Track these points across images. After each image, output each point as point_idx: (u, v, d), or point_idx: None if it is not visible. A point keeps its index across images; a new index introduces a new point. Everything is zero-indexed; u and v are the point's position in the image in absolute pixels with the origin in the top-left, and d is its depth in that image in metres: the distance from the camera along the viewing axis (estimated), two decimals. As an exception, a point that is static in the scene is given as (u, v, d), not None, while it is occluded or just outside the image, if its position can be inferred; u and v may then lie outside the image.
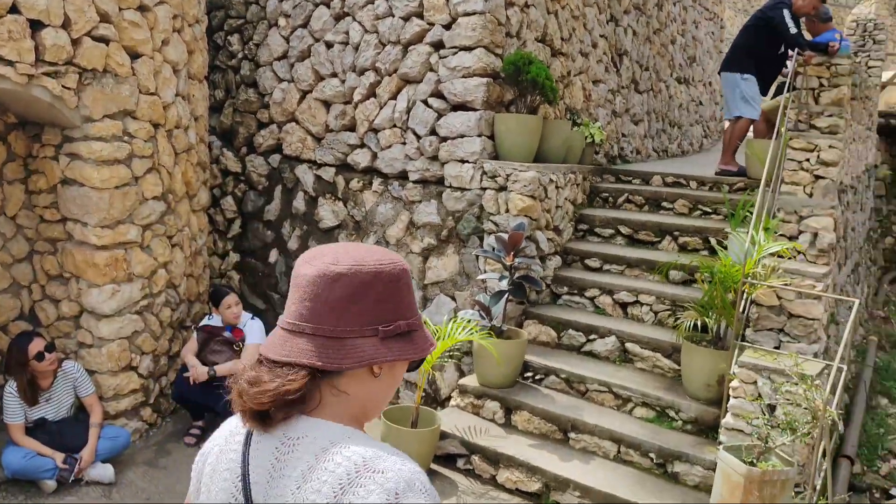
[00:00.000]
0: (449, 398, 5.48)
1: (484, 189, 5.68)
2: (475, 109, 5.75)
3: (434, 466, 4.74)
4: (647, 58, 9.45)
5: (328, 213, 6.57)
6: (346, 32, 6.50)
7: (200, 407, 5.48)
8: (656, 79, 9.80)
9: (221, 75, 7.45)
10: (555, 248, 6.01)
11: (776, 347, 4.66)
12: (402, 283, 1.22)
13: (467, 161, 5.76)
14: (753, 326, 4.72)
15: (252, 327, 5.57)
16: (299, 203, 6.83)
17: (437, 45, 5.94)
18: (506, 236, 4.97)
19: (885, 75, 14.02)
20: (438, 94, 5.94)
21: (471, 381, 5.21)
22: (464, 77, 5.77)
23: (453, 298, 5.78)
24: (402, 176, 6.21)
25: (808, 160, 6.03)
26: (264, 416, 1.15)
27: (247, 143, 7.31)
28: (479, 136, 5.73)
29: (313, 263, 1.19)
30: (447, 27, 5.85)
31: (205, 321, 5.64)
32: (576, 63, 7.33)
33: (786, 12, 6.61)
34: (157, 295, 5.51)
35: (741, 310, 4.71)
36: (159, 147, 5.36)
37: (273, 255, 7.00)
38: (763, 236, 4.76)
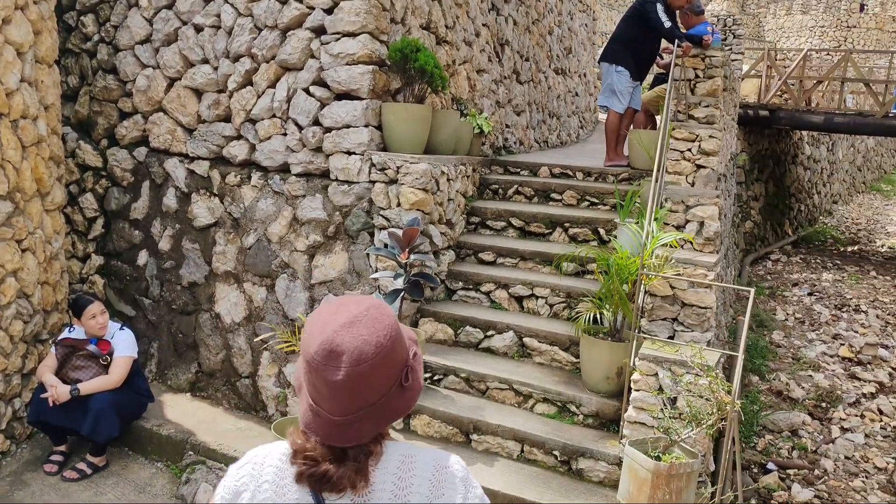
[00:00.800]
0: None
1: (373, 182, 5.41)
2: (361, 98, 5.46)
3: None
4: (528, 48, 9.45)
5: (203, 210, 6.09)
6: (218, 15, 6.01)
7: (62, 430, 4.91)
8: (536, 69, 9.83)
9: (75, 60, 6.74)
10: (448, 243, 5.83)
11: (671, 337, 4.69)
12: (399, 340, 1.38)
13: (354, 153, 5.47)
14: (648, 317, 4.73)
15: (120, 338, 5.05)
16: (170, 200, 6.28)
17: (319, 31, 5.59)
18: (400, 232, 4.73)
19: (744, 68, 14.84)
20: (321, 83, 5.60)
21: (366, 385, 4.94)
22: (348, 64, 5.46)
23: (343, 298, 5.48)
24: (284, 169, 5.83)
25: (689, 150, 6.15)
26: (330, 485, 1.32)
27: (107, 135, 6.65)
28: (367, 126, 5.45)
29: (339, 367, 1.29)
30: (329, 11, 5.52)
31: (65, 334, 5.06)
32: (460, 52, 7.17)
33: (659, 6, 6.75)
34: (6, 307, 4.88)
35: (638, 301, 4.72)
36: (3, 140, 4.73)
37: (142, 257, 6.41)
38: (655, 227, 4.77)
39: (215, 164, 6.11)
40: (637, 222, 5.24)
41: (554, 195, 6.46)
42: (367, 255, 5.38)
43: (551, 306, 5.44)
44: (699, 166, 6.14)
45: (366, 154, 5.42)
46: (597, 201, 6.36)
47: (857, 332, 10.38)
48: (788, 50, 21.42)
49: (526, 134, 9.37)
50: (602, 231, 5.91)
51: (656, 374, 4.16)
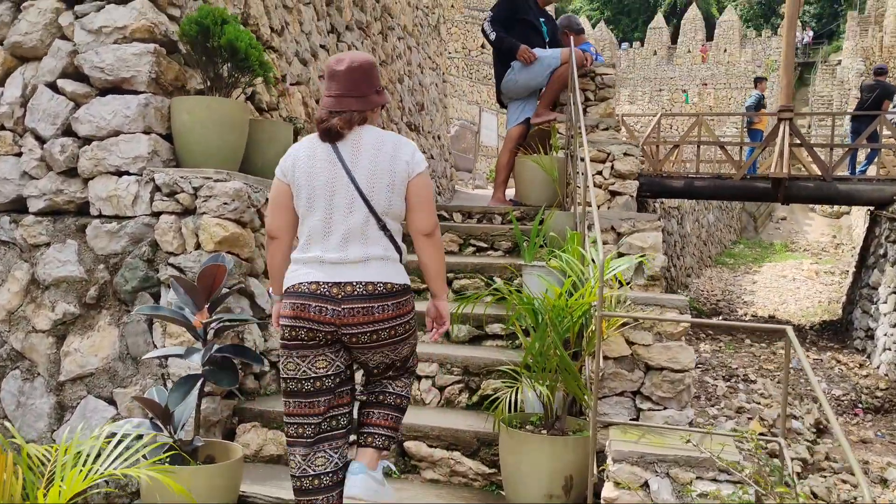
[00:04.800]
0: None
1: (157, 214, 3.48)
2: (137, 92, 3.59)
3: None
4: (386, 81, 7.95)
5: None
6: (-84, -14, 3.99)
7: None
8: (387, 118, 8.33)
9: None
10: (281, 307, 3.95)
11: (634, 419, 3.04)
12: (374, 71, 2.44)
13: (127, 172, 3.54)
14: (597, 392, 3.05)
15: None
16: None
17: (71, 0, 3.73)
18: (193, 276, 2.83)
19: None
20: (75, 73, 3.68)
21: (143, 548, 2.85)
22: (117, 43, 3.61)
23: (112, 401, 3.41)
24: (19, 207, 3.77)
25: (600, 173, 4.71)
26: (340, 135, 2.35)
27: None
28: (147, 133, 3.56)
29: (341, 64, 2.39)
30: (86, -32, 3.68)
31: None
32: (292, 68, 5.49)
33: (486, 23, 5.60)
34: None
35: (583, 366, 3.04)
36: None
37: None
38: (593, 252, 3.18)
39: None
40: (546, 264, 3.66)
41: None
42: (148, 324, 3.39)
43: (441, 389, 3.64)
44: (614, 193, 4.72)
45: (146, 173, 3.51)
46: (485, 246, 4.74)
47: (759, 402, 9.31)
48: (641, 115, 21.66)
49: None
50: (498, 279, 4.25)
51: (645, 485, 2.44)
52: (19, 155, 3.75)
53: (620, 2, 51.04)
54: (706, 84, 37.45)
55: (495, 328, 3.95)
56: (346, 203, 2.31)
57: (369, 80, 2.39)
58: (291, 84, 5.48)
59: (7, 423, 3.47)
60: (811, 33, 41.56)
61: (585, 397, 2.98)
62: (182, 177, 3.43)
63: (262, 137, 4.11)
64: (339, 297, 2.28)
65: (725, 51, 38.85)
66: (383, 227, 2.35)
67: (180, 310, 2.81)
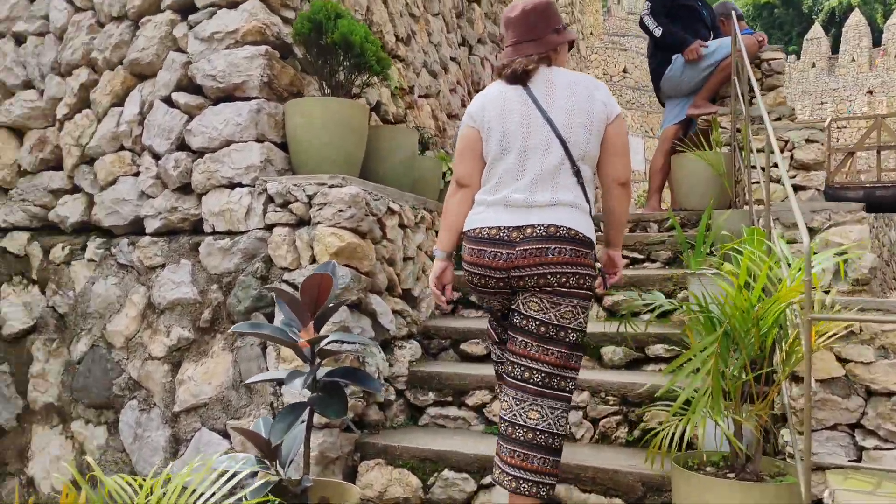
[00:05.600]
0: None
1: (270, 227, 3.17)
2: (249, 98, 3.33)
3: None
4: (512, 106, 7.54)
5: (16, 309, 3.78)
6: (46, 17, 4.00)
7: None
8: (525, 135, 7.88)
9: None
10: (409, 328, 3.51)
11: (854, 460, 2.31)
12: (554, 4, 2.30)
13: (240, 184, 3.27)
14: (799, 424, 2.36)
15: None
16: (-26, 300, 3.98)
17: (185, 9, 3.56)
18: (294, 289, 2.44)
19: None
20: (189, 85, 3.49)
21: None
22: (228, 49, 3.38)
23: (226, 434, 3.09)
24: (136, 229, 3.60)
25: (776, 165, 3.97)
26: (526, 75, 2.24)
27: None
28: (259, 141, 3.29)
29: (514, 11, 2.30)
30: (198, -24, 3.51)
31: None
32: (420, 79, 5.16)
33: (647, 17, 4.94)
34: None
35: (806, 380, 2.37)
36: None
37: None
38: (784, 247, 2.51)
39: (38, 234, 3.88)
40: (718, 271, 3.00)
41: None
42: (262, 348, 3.05)
43: (594, 422, 3.05)
44: (795, 188, 3.96)
45: (258, 184, 3.21)
46: (640, 257, 4.11)
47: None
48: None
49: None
50: (657, 293, 3.61)
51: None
52: (136, 175, 3.60)
53: (771, 15, 48.29)
54: (871, 92, 34.27)
55: (657, 350, 3.31)
56: (542, 144, 2.17)
57: (546, 21, 2.28)
58: (420, 96, 5.15)
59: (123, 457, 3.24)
60: None
61: (785, 431, 2.30)
62: (295, 184, 3.11)
63: (385, 145, 3.75)
64: (517, 240, 2.16)
65: (896, 56, 35.43)
66: (577, 174, 2.19)
67: (286, 327, 2.43)
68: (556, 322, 2.16)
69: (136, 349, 3.40)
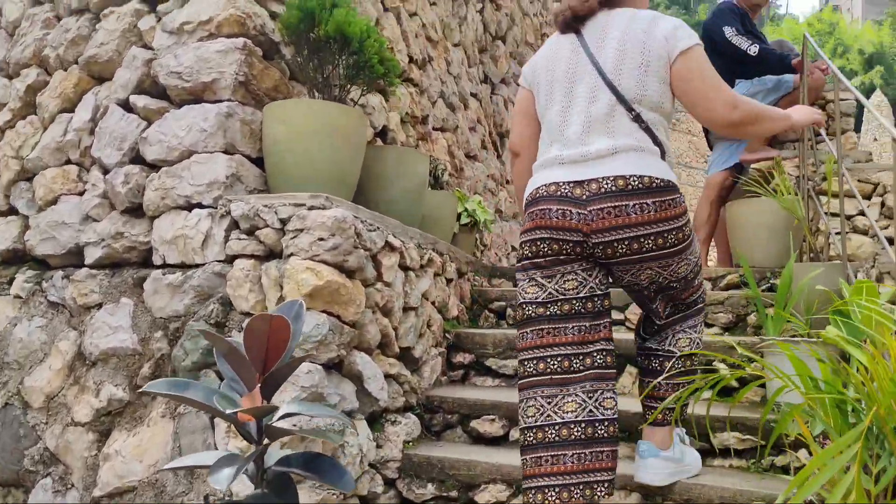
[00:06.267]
0: None
1: (232, 259, 2.47)
2: (220, 101, 2.68)
3: None
4: (536, 155, 6.91)
5: (-73, 353, 3.07)
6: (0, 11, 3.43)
7: None
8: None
9: None
10: (406, 398, 2.75)
11: None
12: None
13: (199, 204, 2.58)
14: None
15: None
16: None
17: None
18: (238, 337, 1.74)
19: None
20: (152, 87, 2.85)
21: None
22: (200, 41, 2.75)
23: (155, 532, 2.32)
24: (76, 260, 2.91)
25: (862, 213, 3.26)
26: (580, 18, 1.97)
27: None
28: (228, 152, 2.62)
29: None
30: (172, -41, 2.92)
31: None
32: (437, 110, 4.53)
33: (727, 28, 4.28)
34: None
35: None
36: None
37: None
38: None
39: (-37, 264, 3.20)
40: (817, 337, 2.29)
41: (617, 315, 3.48)
42: (211, 417, 2.31)
43: (650, 538, 2.25)
44: (892, 241, 3.22)
45: (221, 204, 2.53)
46: (695, 320, 3.36)
47: None
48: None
49: (542, 268, 6.54)
50: (720, 365, 2.85)
51: None
52: (80, 194, 2.94)
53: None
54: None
55: (728, 440, 2.53)
56: (588, 91, 1.91)
57: None
58: (435, 129, 4.51)
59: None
60: None
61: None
62: (266, 205, 2.41)
63: (389, 169, 3.07)
64: (584, 197, 1.84)
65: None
66: (637, 118, 1.88)
67: (228, 391, 1.69)
68: (676, 281, 1.97)
69: (58, 411, 2.66)
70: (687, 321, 2.11)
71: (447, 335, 3.23)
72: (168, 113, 2.74)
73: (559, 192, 1.85)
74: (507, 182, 6.01)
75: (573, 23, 1.97)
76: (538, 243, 1.90)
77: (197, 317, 2.43)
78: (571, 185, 1.85)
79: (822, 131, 3.81)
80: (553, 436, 1.84)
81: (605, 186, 1.80)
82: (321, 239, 2.30)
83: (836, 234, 2.90)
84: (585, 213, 1.81)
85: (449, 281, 3.39)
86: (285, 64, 2.96)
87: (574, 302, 1.90)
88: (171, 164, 2.67)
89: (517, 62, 6.53)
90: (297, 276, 2.27)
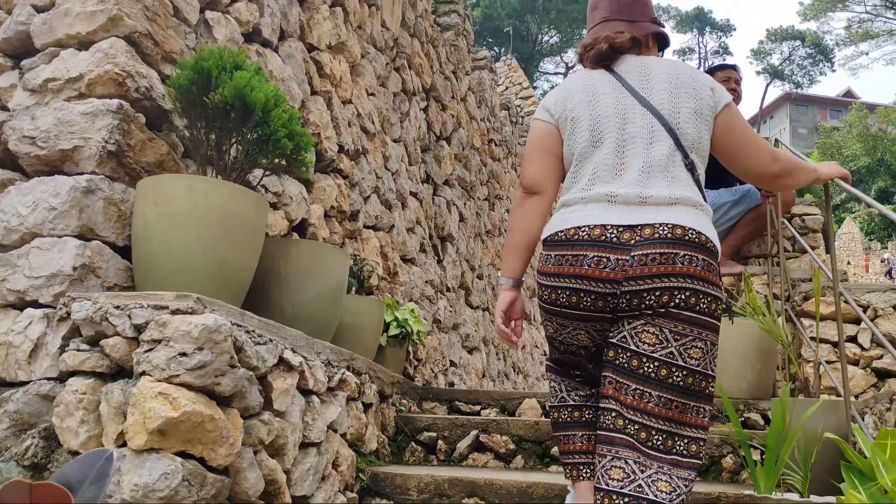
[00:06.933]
0: None
1: (67, 376, 1.85)
2: (81, 173, 2.13)
3: None
4: (481, 263, 6.45)
5: None
6: None
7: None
8: (493, 297, 6.75)
9: None
10: (294, 568, 2.09)
11: None
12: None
13: (35, 301, 1.98)
14: None
15: None
16: None
17: (19, 53, 2.44)
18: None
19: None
20: (4, 155, 2.29)
21: None
22: (66, 101, 2.23)
23: None
24: None
25: (854, 339, 2.83)
26: (616, 52, 1.81)
27: None
28: (84, 237, 2.05)
29: None
30: (44, 8, 2.43)
31: None
32: (370, 206, 4.06)
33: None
34: None
35: None
36: None
37: None
38: None
39: None
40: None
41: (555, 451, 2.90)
42: None
43: None
44: (881, 373, 2.77)
45: (62, 302, 1.93)
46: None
47: None
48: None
49: (482, 385, 5.95)
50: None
51: None
52: None
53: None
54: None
55: None
56: (645, 132, 1.70)
57: (642, 7, 1.91)
58: (367, 226, 4.02)
59: None
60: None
61: None
62: (118, 307, 1.82)
63: (297, 268, 2.53)
64: (631, 242, 1.59)
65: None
66: (691, 168, 1.70)
67: None
68: (681, 363, 1.57)
69: None
70: (679, 469, 1.55)
71: (361, 475, 2.60)
72: (13, 186, 2.17)
73: (604, 237, 1.62)
74: (449, 289, 5.51)
75: (610, 54, 1.81)
76: (566, 293, 1.66)
77: (7, 457, 1.78)
78: (621, 229, 1.62)
79: (789, 245, 3.44)
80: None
81: (661, 232, 1.60)
82: (183, 354, 1.71)
83: (832, 363, 2.44)
84: (626, 258, 1.59)
85: (367, 406, 2.79)
86: (178, 137, 2.45)
87: (583, 350, 1.76)
88: (7, 250, 2.08)
89: (462, 165, 6.18)
90: (144, 404, 1.66)
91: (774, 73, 44.72)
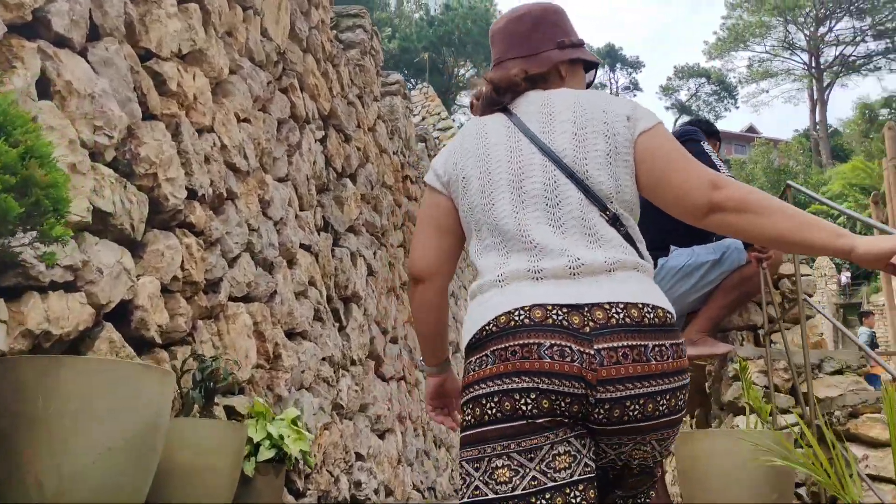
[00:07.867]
0: None
1: None
2: None
3: None
4: (395, 321, 5.45)
5: None
6: None
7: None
8: (411, 363, 5.75)
9: None
10: None
11: None
12: (562, 13, 1.56)
13: None
14: None
15: None
16: None
17: None
18: None
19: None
20: None
21: None
22: None
23: None
24: None
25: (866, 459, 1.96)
26: (509, 92, 1.47)
27: None
28: None
29: (500, 21, 1.59)
30: None
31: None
32: (238, 270, 3.01)
33: (704, 143, 3.11)
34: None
35: None
36: None
37: None
38: None
39: None
40: None
41: None
42: None
43: None
44: None
45: None
46: None
47: None
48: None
49: (397, 475, 4.91)
50: None
51: None
52: None
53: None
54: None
55: None
56: (548, 188, 1.36)
57: (545, 31, 1.54)
58: (232, 299, 2.97)
59: None
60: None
61: None
62: None
63: (65, 408, 1.48)
64: (586, 330, 1.22)
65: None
66: (614, 222, 1.35)
67: None
68: (659, 458, 1.31)
69: None
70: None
71: None
72: None
73: (549, 320, 1.22)
74: (354, 362, 4.48)
75: (499, 97, 1.48)
76: (514, 398, 1.19)
77: None
78: (566, 310, 1.23)
79: (774, 312, 2.62)
80: None
81: (616, 317, 1.23)
82: None
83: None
84: (591, 353, 1.20)
85: None
86: None
87: (570, 492, 1.18)
88: None
89: (372, 207, 5.20)
90: None
91: (682, 109, 45.88)
